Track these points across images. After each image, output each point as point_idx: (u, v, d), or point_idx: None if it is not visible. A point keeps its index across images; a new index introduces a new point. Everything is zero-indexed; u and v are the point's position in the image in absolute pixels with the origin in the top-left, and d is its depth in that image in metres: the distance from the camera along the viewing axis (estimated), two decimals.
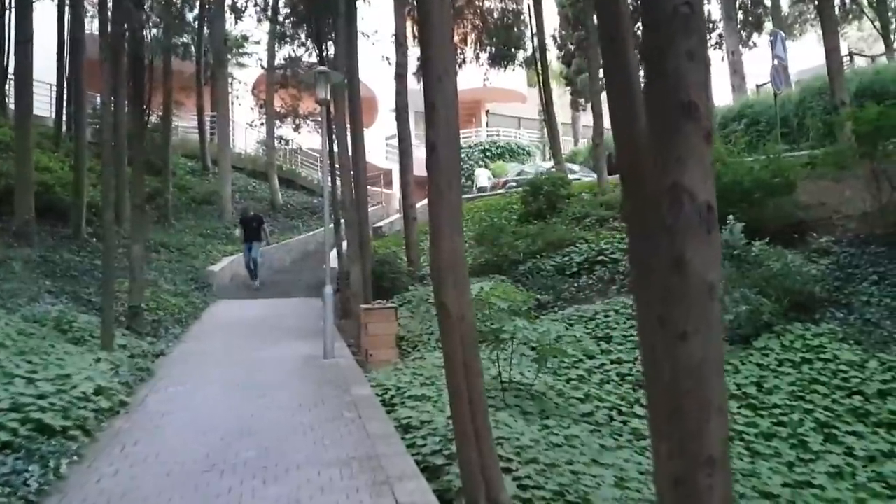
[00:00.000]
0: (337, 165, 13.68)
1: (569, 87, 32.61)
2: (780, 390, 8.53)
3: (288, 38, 24.87)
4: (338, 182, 14.25)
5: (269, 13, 23.49)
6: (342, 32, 11.80)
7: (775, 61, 16.29)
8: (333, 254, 16.33)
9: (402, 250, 17.20)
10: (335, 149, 13.36)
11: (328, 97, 9.60)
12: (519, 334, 7.34)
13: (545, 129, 41.79)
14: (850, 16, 25.93)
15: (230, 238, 21.21)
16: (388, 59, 18.68)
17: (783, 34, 18.86)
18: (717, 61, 26.82)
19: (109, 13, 12.07)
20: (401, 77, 16.01)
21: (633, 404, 8.49)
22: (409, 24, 21.58)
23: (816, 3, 16.62)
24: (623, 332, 10.60)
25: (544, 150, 39.34)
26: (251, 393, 7.95)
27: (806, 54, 30.05)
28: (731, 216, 10.67)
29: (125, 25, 10.77)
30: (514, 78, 35.54)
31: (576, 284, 13.03)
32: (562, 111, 35.95)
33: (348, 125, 12.50)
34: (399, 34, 16.16)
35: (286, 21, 23.49)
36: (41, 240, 14.83)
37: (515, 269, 14.27)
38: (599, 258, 13.54)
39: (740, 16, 28.61)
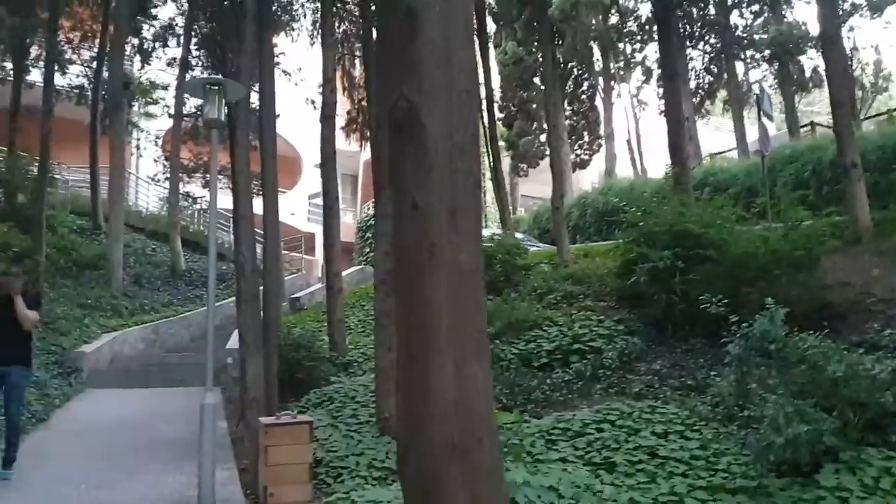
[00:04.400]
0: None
1: (509, 152, 30.38)
2: None
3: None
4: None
5: (178, 48, 20.56)
6: (245, 62, 8.83)
7: (763, 119, 14.09)
8: (237, 333, 13.08)
9: (325, 327, 14.08)
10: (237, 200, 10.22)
11: (220, 116, 6.60)
12: (520, 497, 4.33)
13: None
14: (811, 84, 24.67)
15: (115, 309, 17.60)
16: (312, 101, 16.00)
17: (769, 91, 16.99)
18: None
19: None
20: (328, 119, 13.13)
21: None
22: (339, 74, 19.03)
23: (822, 51, 14.53)
24: (628, 455, 7.66)
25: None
26: None
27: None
28: (769, 299, 7.96)
29: None
30: None
31: (548, 381, 10.10)
32: None
33: (262, 174, 9.57)
34: (327, 69, 13.35)
35: (196, 62, 20.59)
36: None
37: None
38: (575, 346, 10.69)
39: (693, 83, 27.14)
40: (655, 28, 25.42)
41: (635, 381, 9.62)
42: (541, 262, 14.87)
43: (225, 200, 25.36)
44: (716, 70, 27.33)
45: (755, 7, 24.95)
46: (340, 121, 19.37)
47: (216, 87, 6.70)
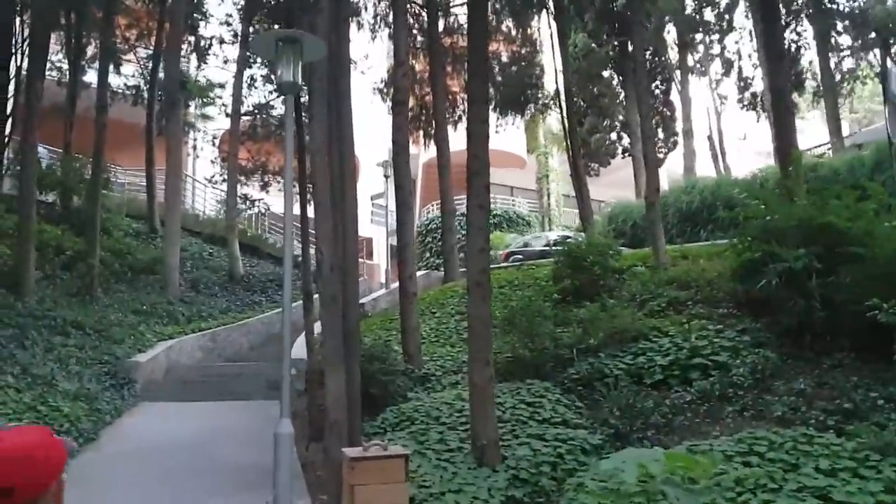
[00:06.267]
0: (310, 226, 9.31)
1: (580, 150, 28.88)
2: None
3: (258, 80, 21.11)
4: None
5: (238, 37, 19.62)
6: (322, 21, 7.63)
7: (891, 100, 12.34)
8: (301, 341, 11.94)
9: (394, 335, 12.82)
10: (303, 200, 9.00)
11: (297, 78, 5.36)
12: None
13: (543, 199, 38.11)
14: None
15: (172, 316, 16.63)
16: (380, 90, 14.87)
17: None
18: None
19: None
20: (400, 106, 11.88)
21: None
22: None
23: None
24: (793, 499, 6.11)
25: (543, 220, 35.47)
26: None
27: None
28: None
29: None
30: (513, 140, 31.90)
31: (667, 402, 8.62)
32: (564, 181, 32.28)
33: (330, 163, 8.34)
34: (399, 51, 12.11)
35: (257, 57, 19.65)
36: None
37: (563, 372, 9.88)
38: (695, 361, 9.18)
39: None
40: (741, 11, 23.72)
41: (775, 403, 8.09)
42: (635, 265, 13.34)
43: (282, 202, 24.39)
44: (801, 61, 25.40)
45: None
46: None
47: (291, 44, 5.44)
